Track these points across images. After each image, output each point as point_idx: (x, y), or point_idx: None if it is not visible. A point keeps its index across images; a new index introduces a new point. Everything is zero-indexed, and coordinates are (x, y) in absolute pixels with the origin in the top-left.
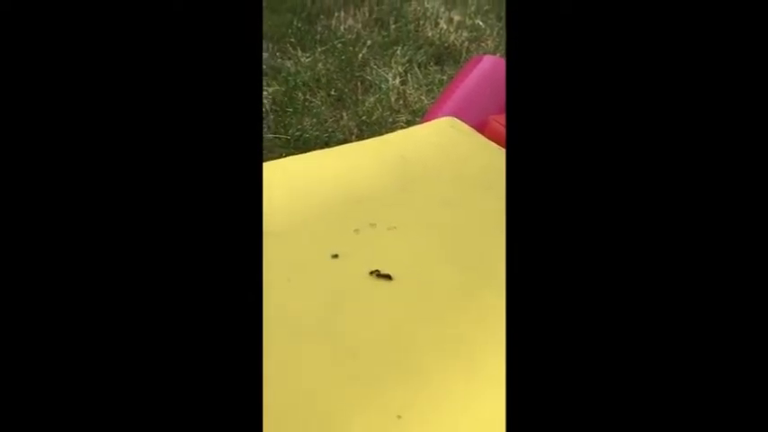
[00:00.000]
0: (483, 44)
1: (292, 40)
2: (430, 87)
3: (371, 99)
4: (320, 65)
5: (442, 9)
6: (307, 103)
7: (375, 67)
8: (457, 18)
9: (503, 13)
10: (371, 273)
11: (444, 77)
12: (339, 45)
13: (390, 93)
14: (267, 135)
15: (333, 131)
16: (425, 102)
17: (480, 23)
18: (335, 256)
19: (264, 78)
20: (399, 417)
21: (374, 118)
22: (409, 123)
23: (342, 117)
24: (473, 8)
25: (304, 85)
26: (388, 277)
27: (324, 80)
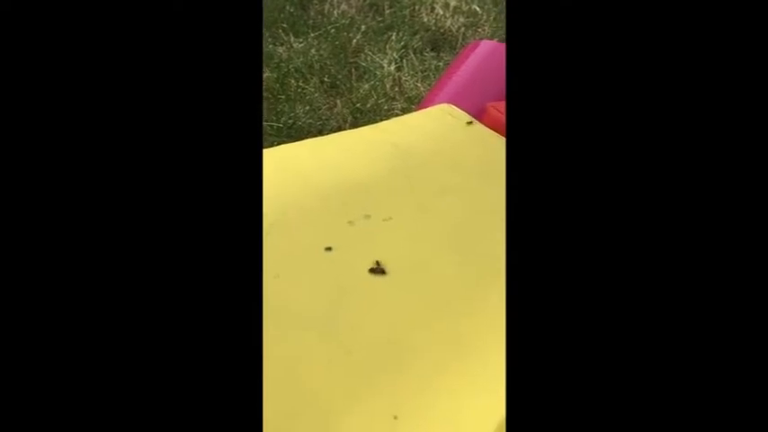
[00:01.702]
0: (479, 30)
1: (284, 25)
2: (426, 74)
3: (366, 86)
4: (313, 51)
5: None
6: (300, 90)
7: (369, 53)
8: (453, 3)
9: None
10: (370, 270)
11: (440, 64)
12: (332, 30)
13: (385, 79)
14: None
15: (326, 119)
16: (421, 89)
17: (477, 9)
18: (329, 248)
19: None
20: (396, 417)
21: (369, 105)
22: (405, 111)
23: (336, 104)
24: None
25: (297, 71)
26: (381, 272)
27: (317, 66)
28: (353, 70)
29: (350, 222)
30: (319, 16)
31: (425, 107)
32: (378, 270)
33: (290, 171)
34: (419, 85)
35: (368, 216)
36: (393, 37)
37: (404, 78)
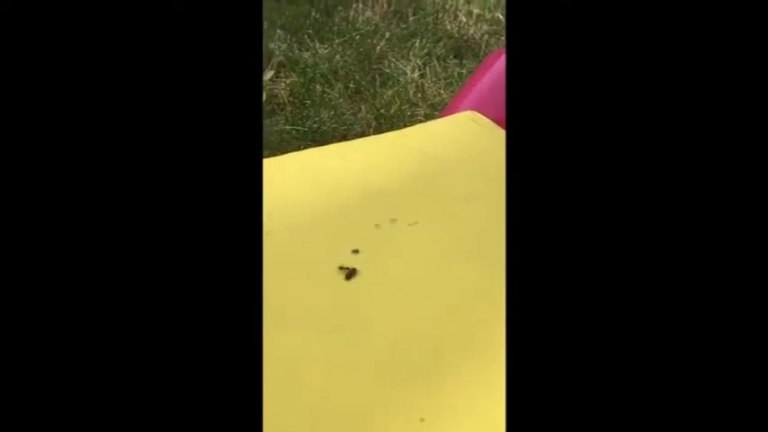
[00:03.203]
0: (503, 38)
1: (310, 31)
2: (449, 81)
3: (389, 92)
4: (338, 57)
5: (462, 2)
6: (324, 96)
7: (393, 59)
8: (476, 11)
9: None
10: (346, 277)
11: (463, 71)
12: (357, 37)
13: (408, 86)
14: (285, 127)
15: (351, 124)
16: (444, 95)
17: (500, 17)
18: (356, 251)
19: (282, 70)
20: (422, 420)
21: (392, 111)
22: (427, 117)
23: (360, 110)
24: (492, 1)
25: (322, 77)
26: (353, 272)
27: (342, 72)
28: (377, 76)
29: (377, 226)
30: (344, 23)
31: (449, 114)
32: (350, 273)
33: (318, 174)
34: (442, 92)
35: (394, 220)
36: (416, 44)
37: (427, 85)
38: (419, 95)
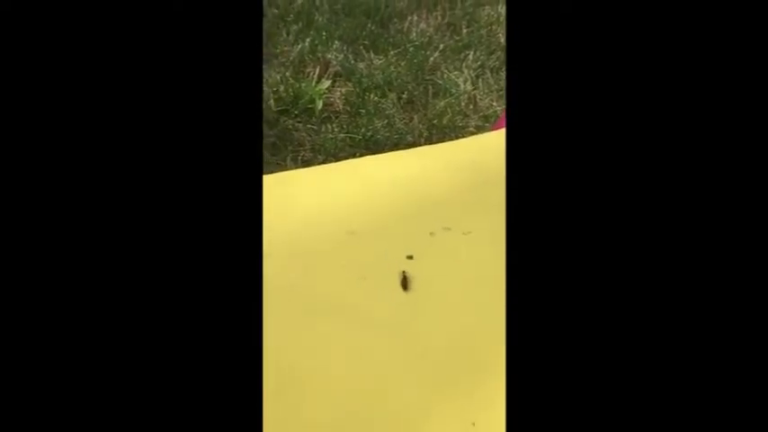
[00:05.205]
0: None
1: (366, 42)
2: (501, 93)
3: (442, 103)
4: (392, 68)
5: None
6: (378, 105)
7: (446, 71)
8: None
9: None
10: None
11: None
12: (411, 49)
13: (461, 97)
14: (339, 134)
15: (403, 134)
16: (496, 107)
17: None
18: (410, 257)
19: (338, 79)
20: (473, 424)
21: (444, 122)
22: (479, 128)
23: (412, 119)
24: None
25: (376, 87)
26: (408, 279)
27: (395, 83)
28: (430, 87)
29: (431, 233)
30: (399, 35)
31: (502, 126)
32: (404, 281)
33: (373, 181)
34: (494, 103)
35: (448, 228)
36: (470, 56)
37: (479, 97)
38: (471, 107)
